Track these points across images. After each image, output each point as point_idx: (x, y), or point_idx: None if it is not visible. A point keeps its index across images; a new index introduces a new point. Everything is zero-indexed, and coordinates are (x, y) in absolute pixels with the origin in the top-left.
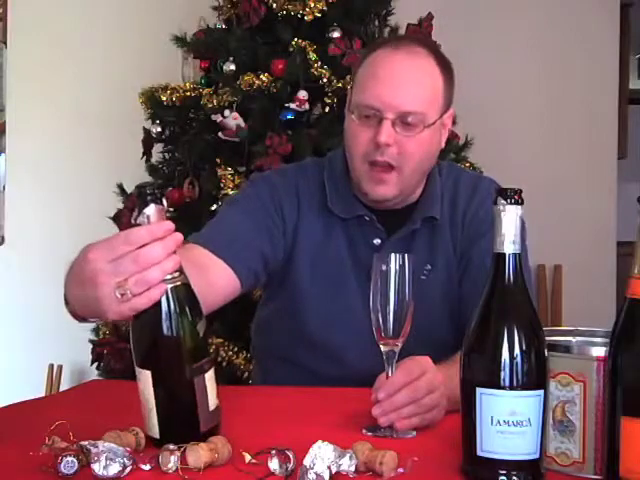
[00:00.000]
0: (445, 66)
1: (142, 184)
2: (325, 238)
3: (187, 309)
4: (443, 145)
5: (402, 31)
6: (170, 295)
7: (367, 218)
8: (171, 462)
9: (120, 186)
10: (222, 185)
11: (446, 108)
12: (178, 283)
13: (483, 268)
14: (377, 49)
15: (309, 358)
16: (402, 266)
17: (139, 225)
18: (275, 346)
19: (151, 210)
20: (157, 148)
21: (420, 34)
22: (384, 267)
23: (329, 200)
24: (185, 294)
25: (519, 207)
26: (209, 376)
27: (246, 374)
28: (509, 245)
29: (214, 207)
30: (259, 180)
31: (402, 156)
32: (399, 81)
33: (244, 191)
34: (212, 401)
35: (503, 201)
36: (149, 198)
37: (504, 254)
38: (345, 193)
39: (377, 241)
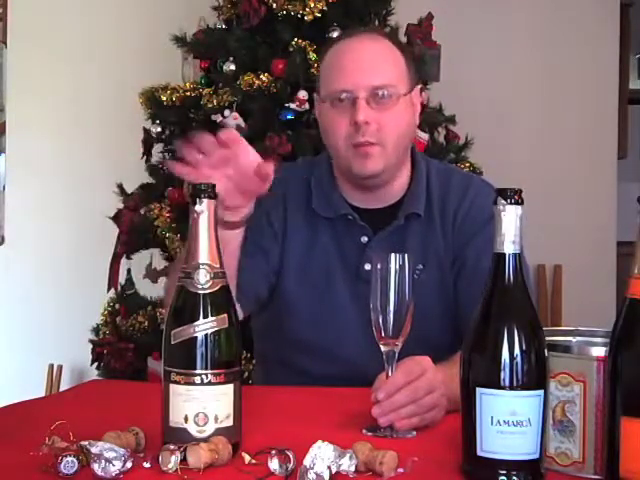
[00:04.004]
0: (403, 48)
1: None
2: (312, 239)
3: (182, 313)
4: (417, 122)
5: (402, 31)
6: (180, 293)
7: (350, 217)
8: (171, 462)
9: (120, 186)
10: None
11: (412, 87)
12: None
13: (477, 268)
14: (334, 44)
15: (303, 360)
16: (402, 266)
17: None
18: (271, 350)
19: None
20: (157, 148)
21: (420, 34)
22: (384, 266)
23: (313, 201)
24: (192, 300)
25: (519, 207)
26: (180, 389)
27: (246, 374)
28: (509, 245)
29: None
30: None
31: (382, 132)
32: (364, 60)
33: None
34: (176, 417)
35: (503, 201)
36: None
37: (504, 254)
38: (329, 193)
39: (364, 239)
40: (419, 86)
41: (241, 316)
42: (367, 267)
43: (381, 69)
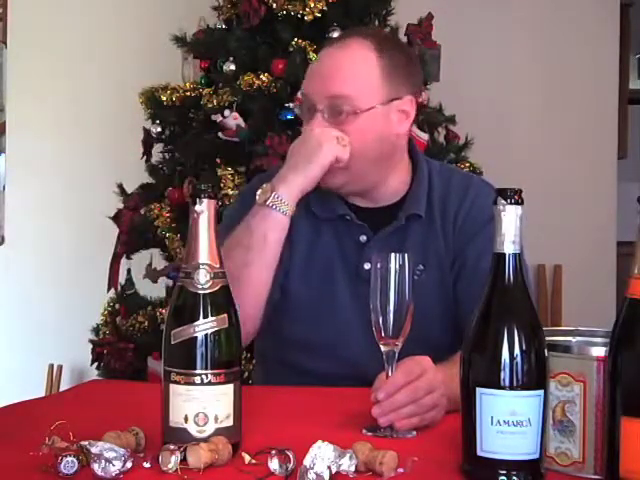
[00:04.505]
0: (388, 54)
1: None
2: (314, 240)
3: (182, 313)
4: (401, 131)
5: (402, 31)
6: (180, 293)
7: (348, 217)
8: (171, 462)
9: (120, 186)
10: (222, 185)
11: (394, 95)
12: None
13: (478, 268)
14: (322, 49)
15: (304, 359)
16: (402, 266)
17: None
18: (271, 349)
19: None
20: (157, 148)
21: (420, 34)
22: (383, 266)
23: (311, 202)
24: (192, 300)
25: (519, 207)
26: (180, 389)
27: (246, 374)
28: (509, 245)
29: None
30: (248, 194)
31: None
32: (326, 69)
33: (237, 212)
34: (176, 417)
35: (503, 201)
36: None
37: (504, 254)
38: (327, 194)
39: (363, 238)
40: (410, 96)
41: (255, 328)
42: (367, 266)
43: (339, 77)
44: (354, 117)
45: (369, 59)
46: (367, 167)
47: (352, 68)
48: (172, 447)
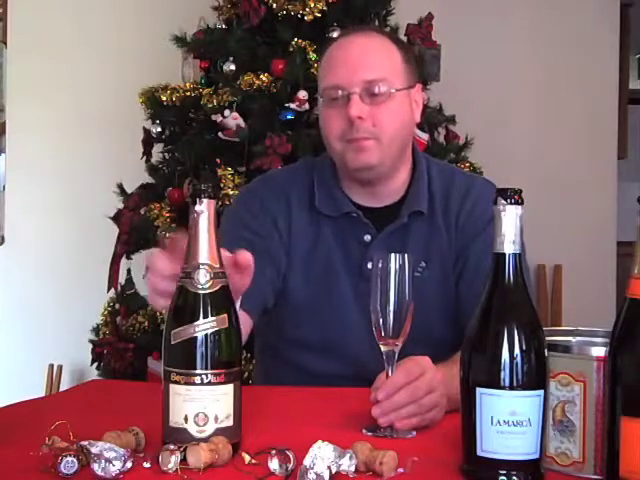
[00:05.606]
0: (402, 45)
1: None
2: (315, 238)
3: (182, 313)
4: (418, 120)
5: (402, 31)
6: (180, 293)
7: (354, 215)
8: (171, 462)
9: (120, 186)
10: (222, 185)
11: (411, 83)
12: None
13: (479, 268)
14: (331, 44)
15: (306, 357)
16: (402, 266)
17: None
18: (272, 347)
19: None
20: (157, 148)
21: (420, 34)
22: (383, 267)
23: (317, 200)
24: (192, 300)
25: (519, 207)
26: (180, 389)
27: (246, 374)
28: (509, 245)
29: None
30: (247, 196)
31: (378, 128)
32: (356, 55)
33: (236, 214)
34: (176, 417)
35: (503, 201)
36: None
37: (504, 254)
38: (333, 191)
39: (367, 237)
40: (420, 85)
41: (252, 325)
42: (370, 265)
43: (373, 63)
44: (390, 97)
45: (391, 48)
46: (395, 150)
47: (383, 53)
48: (172, 447)
